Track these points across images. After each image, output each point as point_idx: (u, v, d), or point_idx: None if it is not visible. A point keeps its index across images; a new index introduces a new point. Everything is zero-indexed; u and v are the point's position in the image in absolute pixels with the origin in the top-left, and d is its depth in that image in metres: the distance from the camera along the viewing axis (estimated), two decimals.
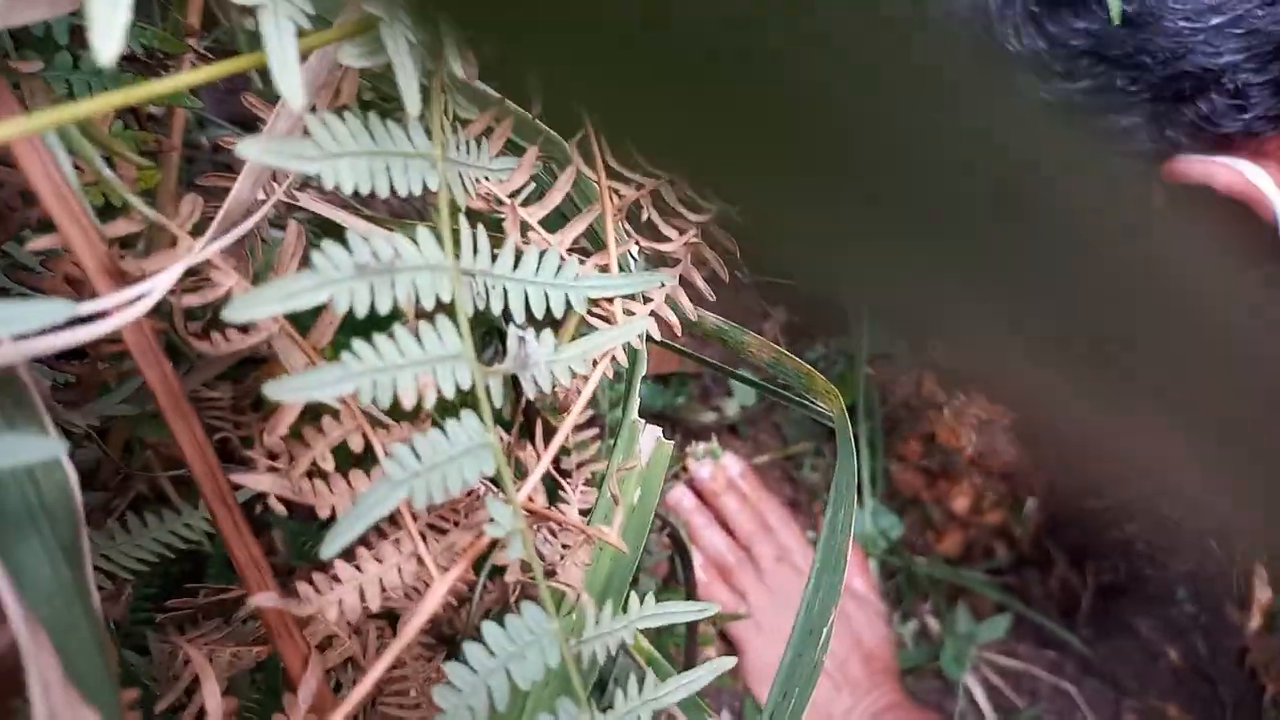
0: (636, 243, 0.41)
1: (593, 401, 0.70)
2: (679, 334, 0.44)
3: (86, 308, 0.24)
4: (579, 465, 0.45)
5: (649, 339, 0.40)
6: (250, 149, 0.21)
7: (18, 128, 0.19)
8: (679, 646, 0.85)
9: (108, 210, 0.30)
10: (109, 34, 0.18)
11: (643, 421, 0.43)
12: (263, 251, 0.30)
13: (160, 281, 0.25)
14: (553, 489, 0.49)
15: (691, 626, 0.77)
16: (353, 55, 0.23)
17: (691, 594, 0.79)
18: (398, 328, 0.25)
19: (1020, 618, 1.30)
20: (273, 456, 0.28)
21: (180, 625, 0.37)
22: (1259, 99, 0.58)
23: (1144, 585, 1.68)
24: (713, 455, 0.89)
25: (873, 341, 1.27)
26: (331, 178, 0.23)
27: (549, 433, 0.40)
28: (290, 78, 0.20)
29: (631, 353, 0.44)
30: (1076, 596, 1.70)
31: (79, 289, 0.29)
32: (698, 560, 1.00)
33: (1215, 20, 0.55)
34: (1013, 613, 1.28)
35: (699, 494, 1.04)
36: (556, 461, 0.47)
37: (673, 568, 0.90)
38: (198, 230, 0.28)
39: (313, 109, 0.25)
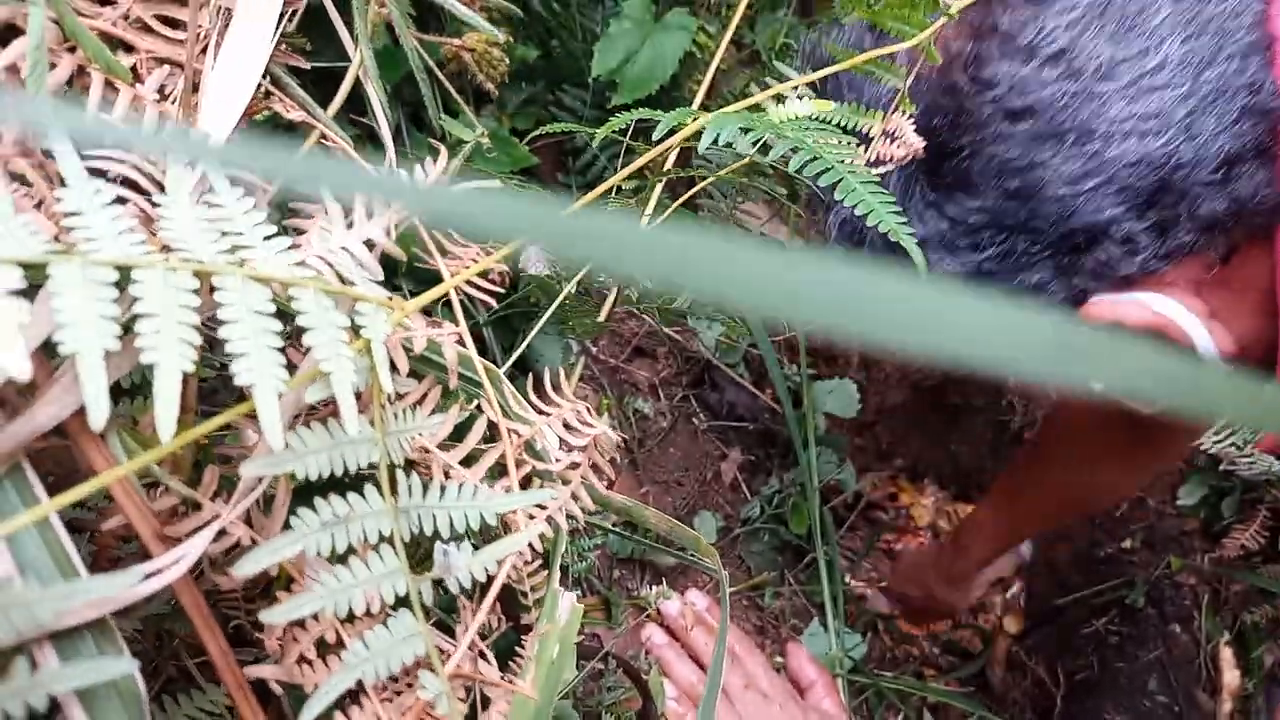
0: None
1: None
2: (584, 518, 0.56)
3: (149, 568, 0.36)
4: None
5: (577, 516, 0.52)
6: (251, 467, 0.34)
7: (114, 474, 0.32)
8: None
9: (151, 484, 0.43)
10: (167, 417, 0.31)
11: (561, 590, 0.55)
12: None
13: (196, 544, 0.38)
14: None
15: None
16: (315, 394, 0.36)
17: None
18: (353, 558, 0.37)
19: None
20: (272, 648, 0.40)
21: None
22: (1146, 242, 0.64)
23: (1115, 678, 1.75)
24: (663, 596, 1.00)
25: (821, 472, 1.39)
26: (302, 471, 0.36)
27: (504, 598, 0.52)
28: (275, 428, 0.33)
29: (554, 535, 0.56)
30: (1051, 697, 1.77)
31: (128, 543, 0.41)
32: (670, 692, 1.09)
33: (1090, 183, 0.63)
34: None
35: (669, 630, 1.13)
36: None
37: (643, 708, 1.00)
38: (218, 492, 0.41)
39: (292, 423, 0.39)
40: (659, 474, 1.35)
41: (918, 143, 0.58)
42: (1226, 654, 1.70)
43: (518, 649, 0.58)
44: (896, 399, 1.98)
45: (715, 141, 0.59)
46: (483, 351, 1.16)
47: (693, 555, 0.63)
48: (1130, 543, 1.80)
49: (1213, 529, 1.74)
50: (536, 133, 0.95)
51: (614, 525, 1.18)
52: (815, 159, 0.58)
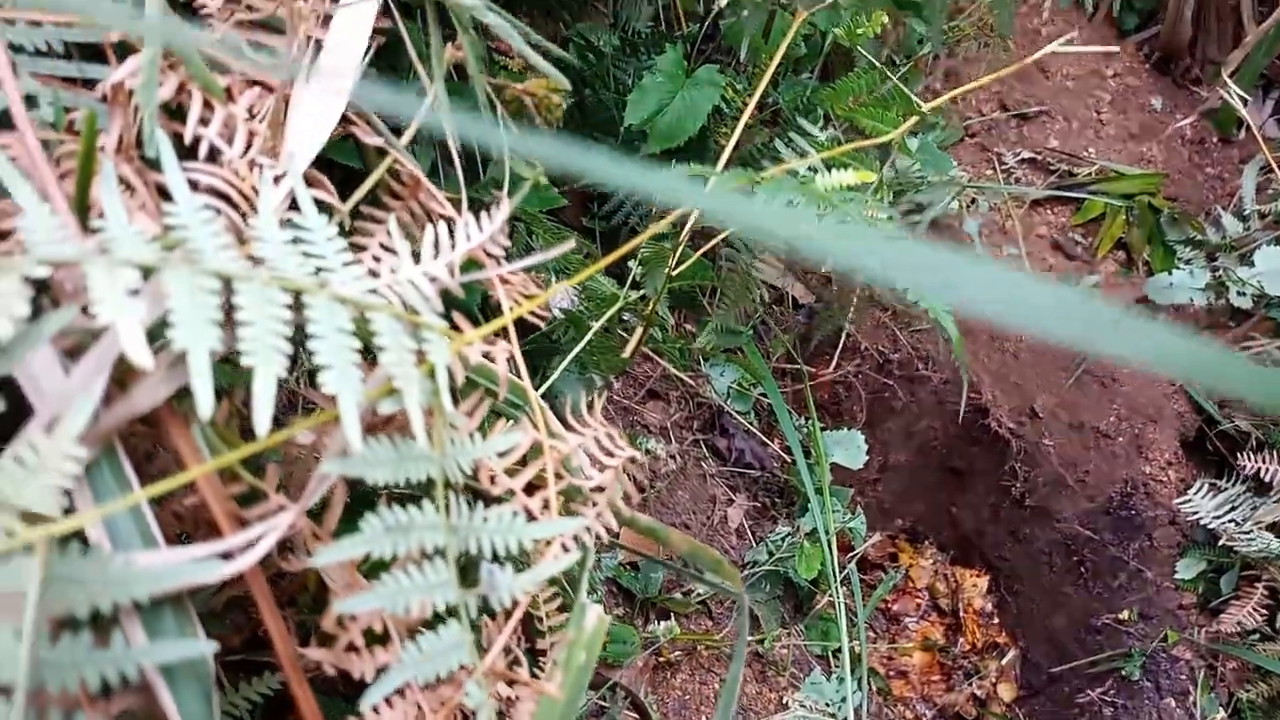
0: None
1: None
2: (615, 536, 0.59)
3: (225, 546, 0.39)
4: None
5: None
6: (331, 466, 0.37)
7: (208, 466, 0.36)
8: None
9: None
10: (263, 417, 0.35)
11: (588, 602, 0.58)
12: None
13: (271, 529, 0.40)
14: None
15: None
16: (387, 407, 0.39)
17: None
18: (410, 566, 0.40)
19: None
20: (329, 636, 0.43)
21: None
22: None
23: None
24: (670, 633, 1.02)
25: (827, 520, 1.41)
26: (371, 477, 0.39)
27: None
28: (356, 433, 0.36)
29: (582, 555, 0.59)
30: None
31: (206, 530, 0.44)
32: None
33: None
34: None
35: None
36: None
37: None
38: (280, 487, 0.44)
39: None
40: (667, 515, 1.38)
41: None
42: None
43: (534, 670, 0.61)
44: (901, 458, 2.01)
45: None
46: None
47: (713, 579, 0.65)
48: (1127, 614, 1.81)
49: (1210, 604, 1.75)
50: (574, 184, 0.99)
51: (623, 564, 1.21)
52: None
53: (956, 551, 2.12)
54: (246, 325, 0.36)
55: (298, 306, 0.38)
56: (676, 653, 1.21)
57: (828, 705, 1.34)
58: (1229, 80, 2.02)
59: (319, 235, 0.43)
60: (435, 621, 0.43)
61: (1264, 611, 1.67)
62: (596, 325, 0.83)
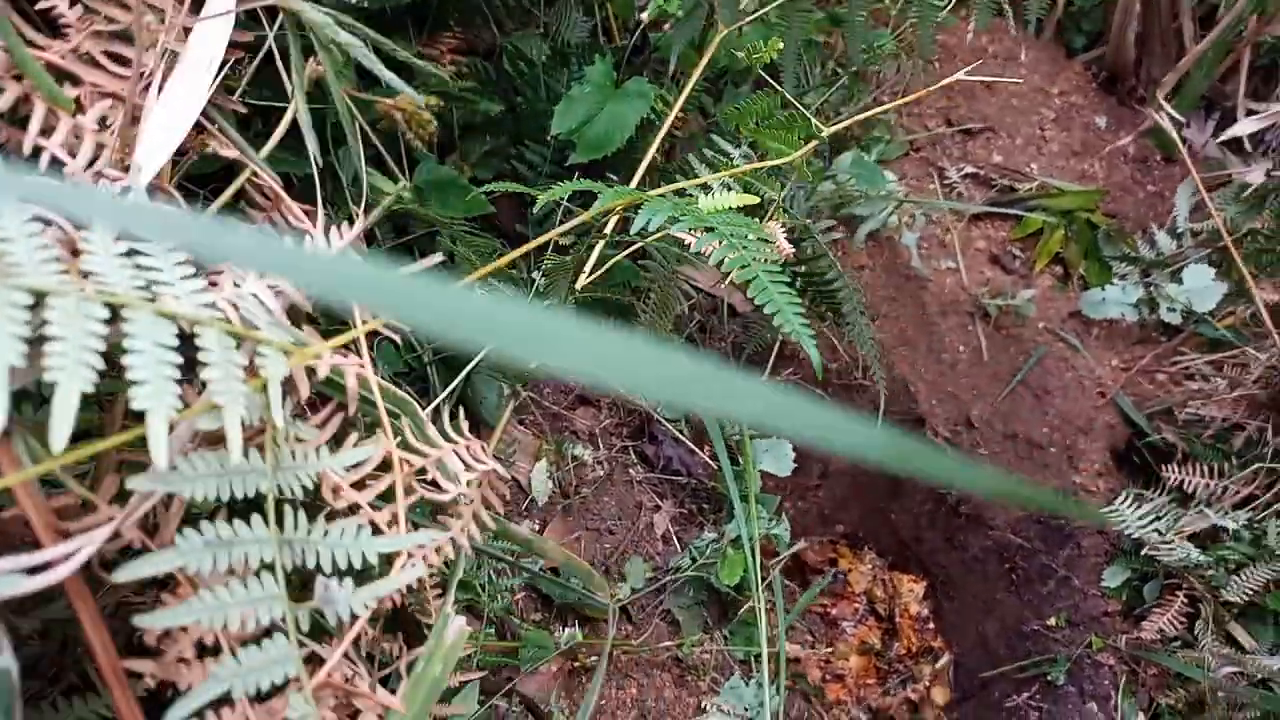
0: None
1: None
2: (469, 549, 0.60)
3: (39, 558, 0.40)
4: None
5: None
6: (140, 482, 0.38)
7: (18, 477, 0.36)
8: None
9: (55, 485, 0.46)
10: (60, 431, 0.35)
11: (451, 613, 0.58)
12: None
13: (89, 542, 0.41)
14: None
15: None
16: (207, 423, 0.40)
17: None
18: (234, 579, 0.41)
19: None
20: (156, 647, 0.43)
21: None
22: None
23: None
24: (573, 639, 1.03)
25: (752, 527, 1.42)
26: (189, 492, 0.39)
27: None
28: (161, 450, 0.37)
29: (455, 558, 0.59)
30: None
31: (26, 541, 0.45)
32: None
33: None
34: None
35: None
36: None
37: None
38: (118, 498, 0.45)
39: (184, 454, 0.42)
40: (592, 521, 1.39)
41: (788, 248, 0.65)
42: None
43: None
44: (842, 465, 2.03)
45: (646, 226, 0.64)
46: (425, 391, 1.20)
47: (585, 589, 0.66)
48: (1055, 620, 1.85)
49: (1134, 611, 1.79)
50: (489, 187, 1.00)
51: (543, 570, 1.21)
52: (737, 255, 0.63)
53: (895, 557, 2.15)
54: (55, 340, 0.36)
55: (119, 321, 0.39)
56: (593, 658, 1.22)
57: (746, 710, 1.35)
58: (1163, 102, 2.07)
59: (158, 249, 0.43)
60: (268, 635, 0.43)
61: (1184, 620, 1.71)
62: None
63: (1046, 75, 2.46)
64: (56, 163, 0.46)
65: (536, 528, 1.15)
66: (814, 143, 0.83)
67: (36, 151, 0.46)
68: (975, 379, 1.99)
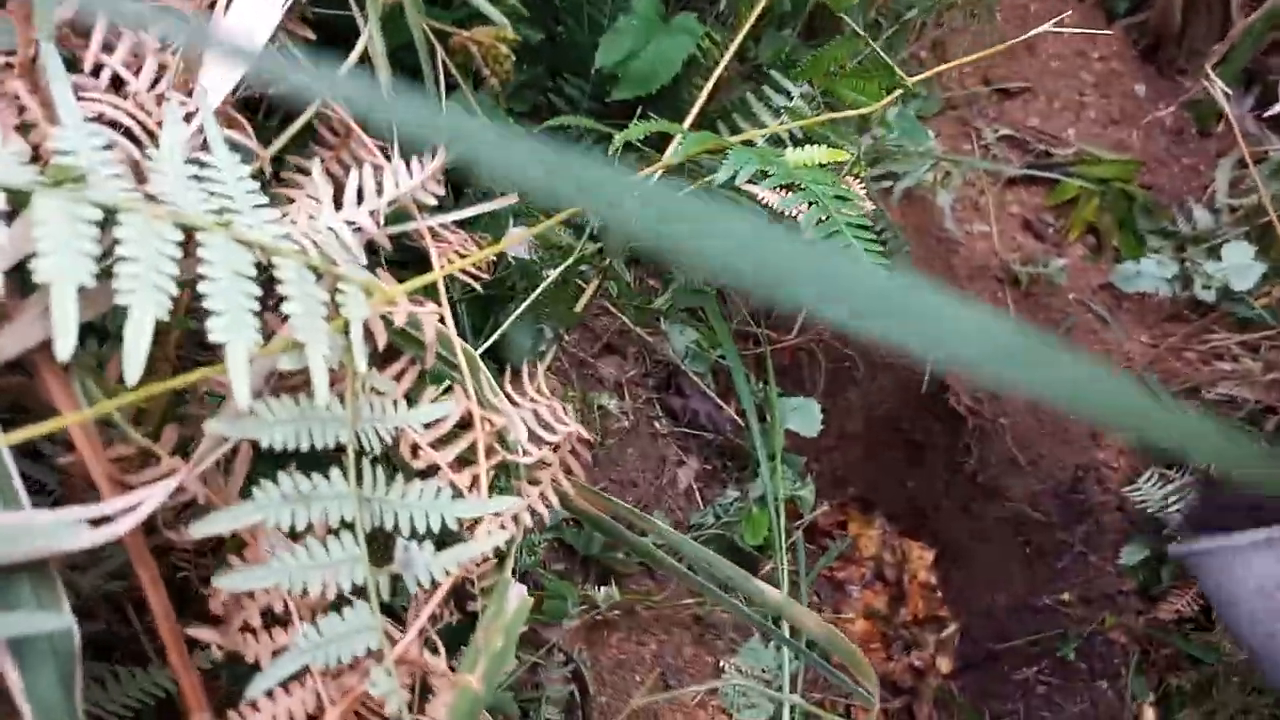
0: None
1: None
2: (545, 520, 0.55)
3: (97, 511, 0.35)
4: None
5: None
6: (219, 425, 0.33)
7: (75, 417, 0.31)
8: None
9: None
10: (134, 362, 0.30)
11: (511, 580, 0.54)
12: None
13: (151, 495, 0.36)
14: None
15: None
16: (288, 363, 0.35)
17: None
18: (312, 538, 0.36)
19: None
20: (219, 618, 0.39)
21: None
22: None
23: None
24: (610, 599, 0.99)
25: (777, 486, 1.39)
26: (267, 438, 0.35)
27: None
28: (243, 387, 0.32)
29: (515, 527, 0.55)
30: None
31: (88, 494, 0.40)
32: None
33: None
34: None
35: None
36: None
37: (572, 699, 0.99)
38: (178, 450, 0.40)
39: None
40: (615, 473, 1.35)
41: (869, 207, 0.60)
42: (1149, 715, 1.73)
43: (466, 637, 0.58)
44: (858, 427, 2.00)
45: (733, 178, 0.59)
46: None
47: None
48: (1068, 596, 1.83)
49: (1150, 591, 1.77)
50: (544, 125, 0.94)
51: (566, 520, 1.17)
52: (826, 219, 0.58)
53: (906, 523, 2.13)
54: (127, 261, 0.31)
55: (193, 248, 0.34)
56: (615, 612, 1.19)
57: (764, 671, 1.33)
58: (1211, 72, 2.00)
59: (228, 174, 0.38)
60: (343, 603, 0.39)
61: (1201, 601, 1.69)
62: (550, 278, 0.78)
63: (1088, 38, 2.38)
64: (118, 81, 0.41)
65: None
66: (897, 93, 0.77)
67: (98, 69, 0.40)
68: None
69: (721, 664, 1.31)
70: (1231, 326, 1.89)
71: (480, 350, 0.84)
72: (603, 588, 1.04)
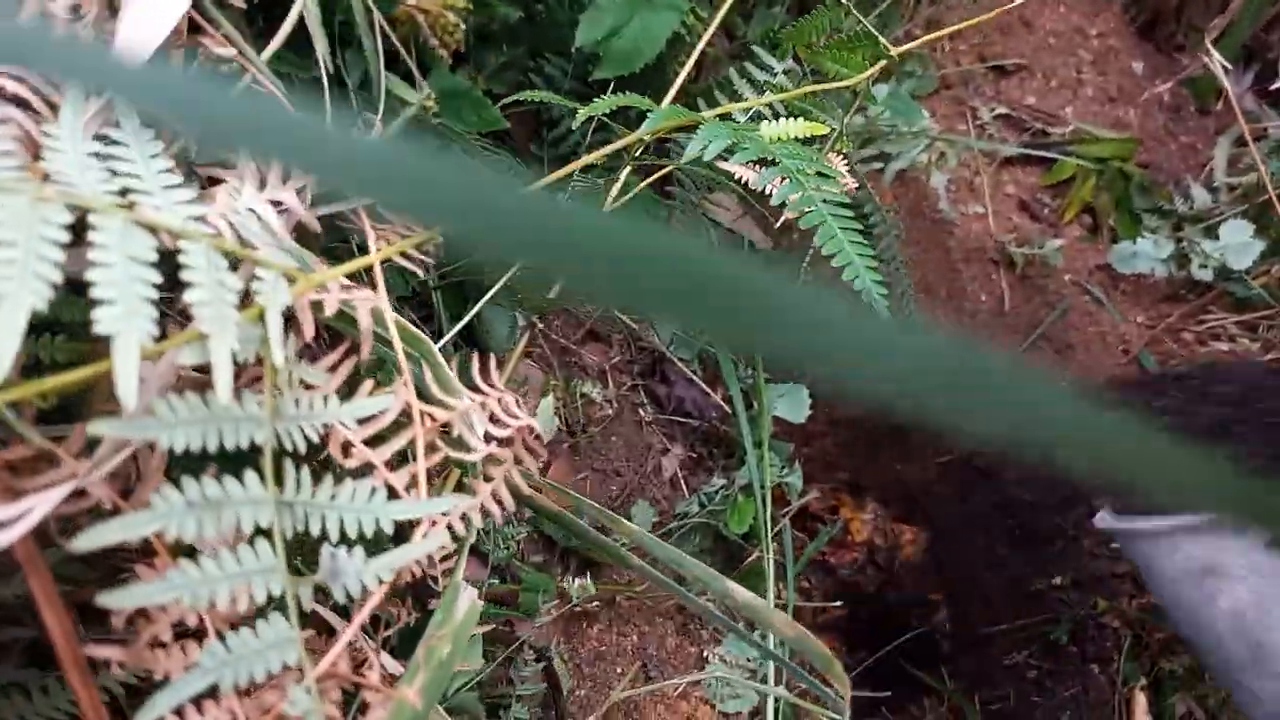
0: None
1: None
2: (502, 515, 0.52)
3: None
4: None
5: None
6: (106, 426, 0.30)
7: None
8: None
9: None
10: (5, 354, 0.27)
11: (464, 584, 0.52)
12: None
13: (43, 501, 0.33)
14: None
15: None
16: (190, 356, 0.32)
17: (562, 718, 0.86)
18: (224, 548, 0.33)
19: None
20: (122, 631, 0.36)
21: None
22: None
23: (1031, 712, 1.76)
24: (585, 591, 0.97)
25: (764, 474, 1.36)
26: (166, 440, 0.32)
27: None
28: (130, 386, 0.29)
29: (466, 527, 0.52)
30: None
31: None
32: None
33: None
34: None
35: None
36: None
37: (547, 696, 0.97)
38: (85, 452, 0.37)
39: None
40: (599, 461, 1.32)
41: (851, 183, 0.57)
42: (1141, 699, 1.71)
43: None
44: (850, 412, 1.97)
45: (701, 153, 0.56)
46: (428, 318, 1.12)
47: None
48: (1060, 579, 1.81)
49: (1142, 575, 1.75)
50: (513, 98, 0.90)
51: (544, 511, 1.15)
52: (801, 194, 0.55)
53: (897, 507, 2.11)
54: (3, 246, 0.28)
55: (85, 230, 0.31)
56: (594, 603, 1.16)
57: (749, 661, 1.30)
58: (1211, 47, 1.96)
59: (136, 153, 0.35)
60: (264, 611, 0.36)
61: None
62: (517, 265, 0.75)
63: (1086, 14, 2.34)
64: None
65: (541, 466, 1.08)
66: (881, 64, 0.73)
67: None
68: (995, 329, 1.92)
69: (705, 654, 1.29)
70: (1229, 306, 1.87)
71: (448, 338, 0.81)
72: (578, 580, 1.02)
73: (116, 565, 0.48)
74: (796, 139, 0.63)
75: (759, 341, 0.15)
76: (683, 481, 1.39)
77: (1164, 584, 1.07)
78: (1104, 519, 1.12)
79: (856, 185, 0.64)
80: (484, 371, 0.51)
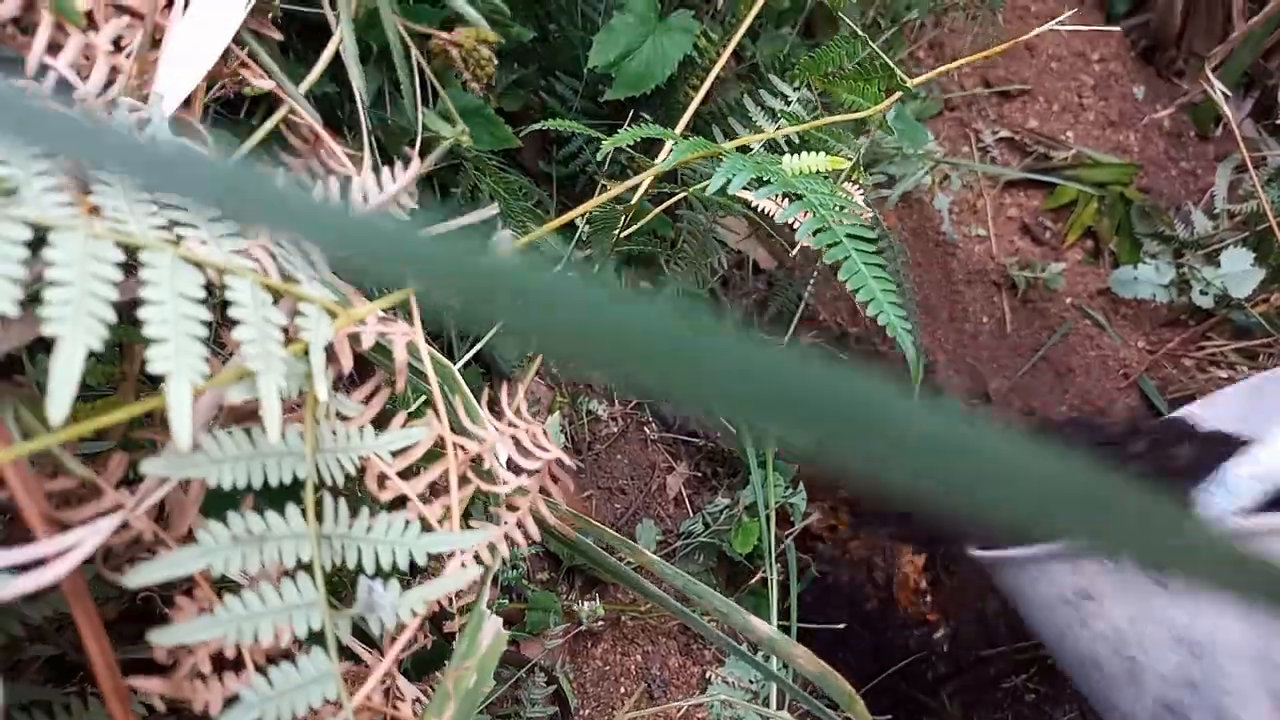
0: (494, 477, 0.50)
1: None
2: (528, 542, 0.53)
3: (28, 554, 0.32)
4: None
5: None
6: (157, 465, 0.30)
7: (5, 454, 0.28)
8: None
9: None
10: (59, 400, 0.28)
11: (487, 613, 0.52)
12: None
13: (91, 534, 0.34)
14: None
15: None
16: (238, 394, 0.32)
17: None
18: (265, 582, 0.34)
19: None
20: (165, 664, 0.36)
21: None
22: None
23: None
24: (594, 613, 0.97)
25: (773, 496, 1.37)
26: (214, 477, 0.32)
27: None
28: (184, 424, 0.29)
29: (491, 555, 0.52)
30: None
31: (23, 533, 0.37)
32: None
33: None
34: None
35: None
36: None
37: (554, 718, 0.97)
38: (125, 482, 0.37)
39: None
40: (604, 479, 1.32)
41: (868, 213, 0.57)
42: None
43: (444, 662, 0.55)
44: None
45: (724, 187, 0.56)
46: (435, 335, 1.12)
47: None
48: None
49: None
50: (533, 127, 0.91)
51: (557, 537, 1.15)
52: (825, 229, 0.55)
53: (896, 527, 2.11)
54: (57, 286, 0.28)
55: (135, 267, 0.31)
56: (600, 622, 1.16)
57: (752, 682, 1.30)
58: (1211, 74, 1.97)
59: None
60: (305, 645, 0.36)
61: None
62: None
63: (1088, 39, 2.36)
64: (65, 85, 0.38)
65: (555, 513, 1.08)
66: (896, 96, 0.74)
67: (43, 71, 0.37)
68: (996, 352, 1.93)
69: (708, 674, 1.28)
70: (1229, 333, 1.88)
71: (461, 362, 0.81)
72: (586, 602, 1.02)
73: (141, 598, 0.48)
74: (818, 172, 0.64)
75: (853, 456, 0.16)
76: (687, 500, 1.39)
77: (1034, 610, 1.08)
78: (980, 555, 1.13)
79: (872, 215, 0.65)
80: (509, 399, 0.52)
